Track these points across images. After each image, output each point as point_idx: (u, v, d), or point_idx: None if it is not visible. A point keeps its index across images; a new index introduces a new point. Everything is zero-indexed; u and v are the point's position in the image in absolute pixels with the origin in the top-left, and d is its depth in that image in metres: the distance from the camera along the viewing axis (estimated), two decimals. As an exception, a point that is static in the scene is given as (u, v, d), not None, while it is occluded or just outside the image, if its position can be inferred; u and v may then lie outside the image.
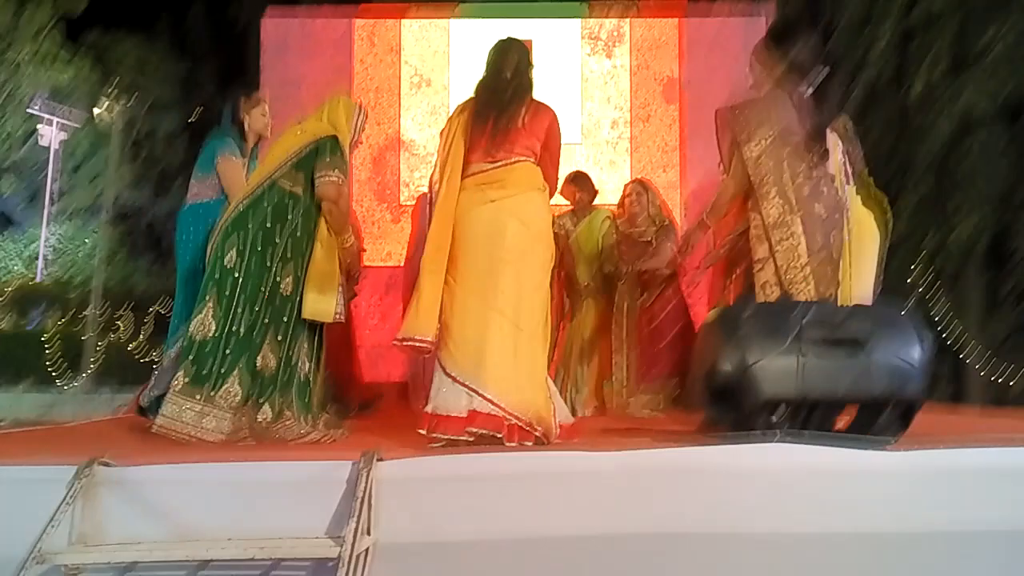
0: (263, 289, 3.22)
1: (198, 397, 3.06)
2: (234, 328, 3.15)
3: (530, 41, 6.39)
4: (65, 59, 16.46)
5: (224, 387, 3.09)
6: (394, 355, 5.77)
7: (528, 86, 3.26)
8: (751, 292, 3.25)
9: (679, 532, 2.26)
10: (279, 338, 3.24)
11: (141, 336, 13.79)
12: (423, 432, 2.90)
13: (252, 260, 3.21)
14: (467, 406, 2.88)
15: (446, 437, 2.84)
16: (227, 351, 3.13)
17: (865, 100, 10.23)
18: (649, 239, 5.08)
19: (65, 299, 15.43)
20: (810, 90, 3.43)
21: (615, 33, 6.67)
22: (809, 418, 2.62)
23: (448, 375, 2.95)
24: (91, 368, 10.89)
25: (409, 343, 2.98)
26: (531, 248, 3.06)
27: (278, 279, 3.26)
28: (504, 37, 3.42)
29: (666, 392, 4.91)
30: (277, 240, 3.27)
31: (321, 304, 3.30)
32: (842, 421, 2.86)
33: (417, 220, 5.18)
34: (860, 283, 3.58)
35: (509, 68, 3.25)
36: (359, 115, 3.64)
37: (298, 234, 3.32)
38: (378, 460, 2.25)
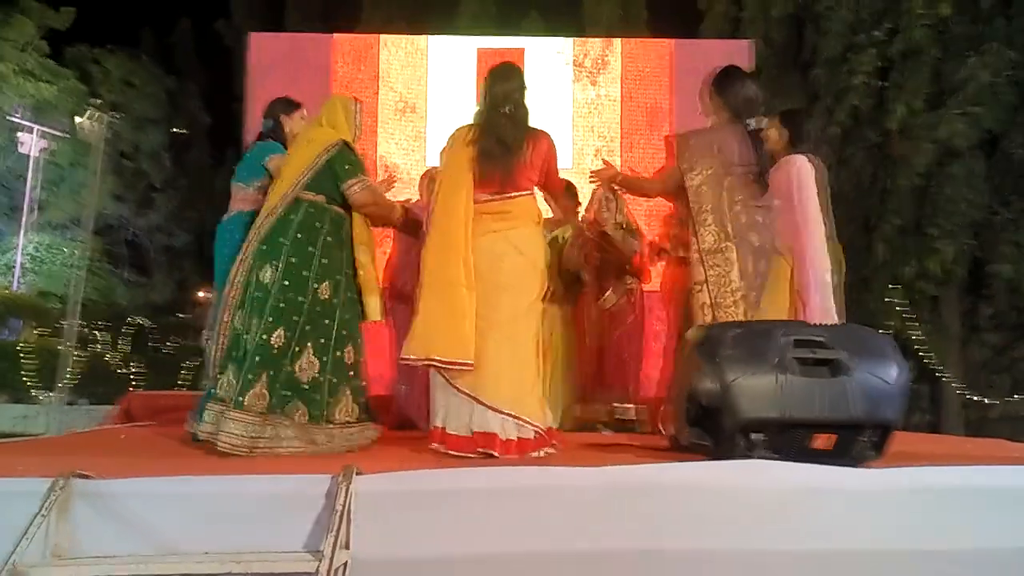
0: (302, 299, 3.30)
1: (227, 402, 3.15)
2: (267, 338, 3.21)
3: (522, 50, 6.44)
4: (50, 73, 16.42)
5: (252, 392, 3.14)
6: (378, 372, 5.74)
7: (525, 117, 3.46)
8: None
9: (659, 548, 2.26)
10: (322, 342, 3.33)
11: (119, 348, 13.72)
12: (435, 446, 3.18)
13: (289, 273, 3.31)
14: (467, 423, 3.17)
15: (455, 454, 3.12)
16: (257, 359, 3.19)
17: (847, 130, 10.38)
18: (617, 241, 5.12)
19: (43, 309, 15.29)
20: (754, 124, 3.63)
21: (599, 61, 6.72)
22: (788, 440, 2.63)
23: (452, 386, 3.20)
24: (68, 380, 10.78)
25: (456, 367, 3.18)
26: (527, 275, 3.34)
27: (315, 286, 3.34)
28: (499, 64, 3.61)
29: (610, 411, 4.95)
30: (310, 250, 3.36)
31: (377, 305, 3.51)
32: (818, 444, 2.88)
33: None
34: None
35: (508, 101, 3.42)
36: (356, 110, 3.73)
37: (330, 239, 3.43)
38: (357, 474, 2.23)
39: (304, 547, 2.17)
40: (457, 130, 3.49)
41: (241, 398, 3.12)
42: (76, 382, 11.43)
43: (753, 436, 2.60)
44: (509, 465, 2.71)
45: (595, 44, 6.90)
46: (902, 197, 9.78)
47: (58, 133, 16.79)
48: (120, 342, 13.86)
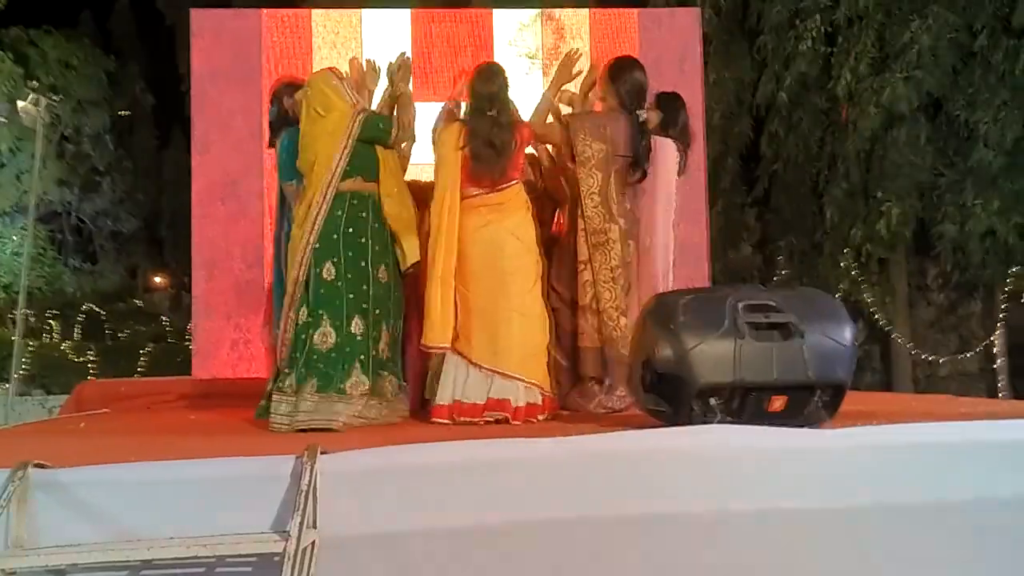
0: (366, 288, 3.48)
1: (330, 394, 3.33)
2: (350, 331, 3.42)
3: (490, 12, 6.35)
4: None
5: (351, 380, 3.38)
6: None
7: (511, 117, 3.69)
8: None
9: (624, 515, 2.30)
10: (390, 322, 3.58)
11: (71, 337, 13.45)
12: (442, 421, 3.49)
13: (349, 267, 3.47)
14: (485, 394, 3.51)
15: (467, 421, 3.46)
16: (347, 350, 3.41)
17: (794, 96, 10.49)
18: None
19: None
20: (643, 116, 3.85)
21: (554, 52, 6.65)
22: (744, 404, 2.69)
23: (473, 364, 3.55)
24: (21, 370, 10.55)
25: (436, 350, 3.61)
26: (525, 257, 3.69)
27: (374, 272, 3.52)
28: (482, 64, 3.86)
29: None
30: (362, 241, 3.52)
31: (412, 245, 3.68)
32: (773, 407, 2.95)
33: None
34: None
35: (493, 104, 3.63)
36: (338, 79, 3.66)
37: (376, 226, 3.59)
38: (321, 453, 2.24)
39: (270, 528, 2.17)
40: (446, 131, 3.73)
41: (342, 385, 3.37)
42: (29, 373, 11.20)
43: (710, 401, 2.65)
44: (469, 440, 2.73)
45: (548, 31, 6.76)
46: (850, 162, 9.94)
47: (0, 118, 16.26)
48: (72, 331, 13.58)
